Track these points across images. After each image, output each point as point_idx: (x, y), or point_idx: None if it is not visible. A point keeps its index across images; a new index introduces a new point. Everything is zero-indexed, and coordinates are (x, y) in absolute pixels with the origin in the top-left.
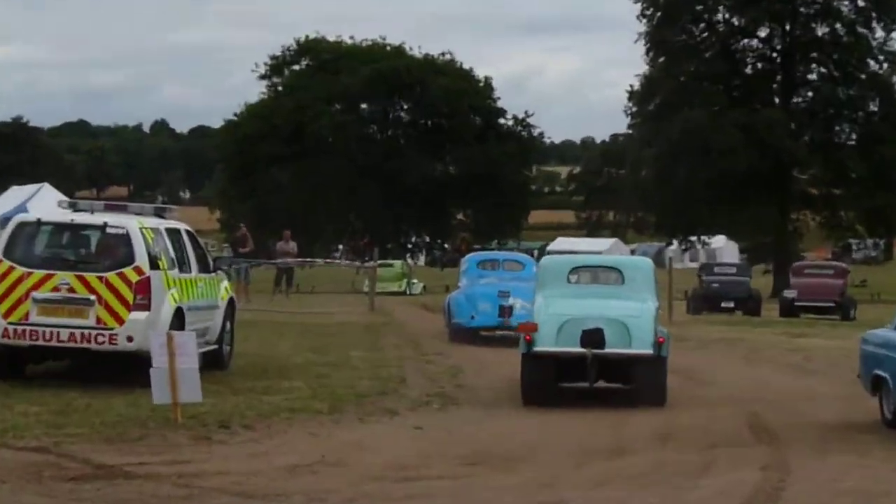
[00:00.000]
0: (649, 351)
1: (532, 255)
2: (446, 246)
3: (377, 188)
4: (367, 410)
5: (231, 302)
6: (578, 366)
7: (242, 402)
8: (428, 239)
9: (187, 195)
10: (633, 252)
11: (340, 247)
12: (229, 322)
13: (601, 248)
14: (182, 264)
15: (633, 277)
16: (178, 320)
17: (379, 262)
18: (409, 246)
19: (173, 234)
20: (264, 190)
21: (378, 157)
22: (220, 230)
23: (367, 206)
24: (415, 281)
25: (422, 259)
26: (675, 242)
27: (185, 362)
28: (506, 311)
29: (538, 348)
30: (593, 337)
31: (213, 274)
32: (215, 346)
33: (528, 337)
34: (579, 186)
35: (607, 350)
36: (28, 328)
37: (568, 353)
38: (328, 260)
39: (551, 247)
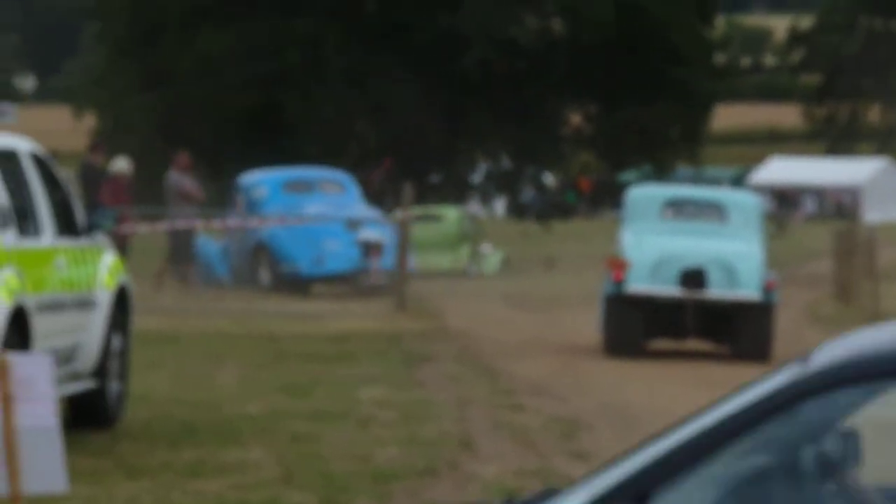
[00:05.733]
0: (756, 296)
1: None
2: (547, 179)
3: (406, 65)
4: None
5: (123, 294)
6: (672, 315)
7: (147, 493)
8: (511, 166)
9: (32, 85)
10: None
11: None
12: (120, 334)
13: (858, 176)
14: (23, 220)
15: (736, 216)
16: (19, 332)
17: (415, 211)
18: (474, 180)
19: (3, 161)
20: (179, 72)
21: (409, 6)
22: (90, 149)
23: (389, 100)
24: (486, 249)
25: (499, 206)
26: None
27: (35, 415)
28: (373, 250)
29: (631, 288)
30: (694, 277)
31: (86, 239)
32: (93, 382)
33: (617, 275)
34: (812, 55)
35: (710, 293)
36: None
37: (665, 297)
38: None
39: (758, 177)
